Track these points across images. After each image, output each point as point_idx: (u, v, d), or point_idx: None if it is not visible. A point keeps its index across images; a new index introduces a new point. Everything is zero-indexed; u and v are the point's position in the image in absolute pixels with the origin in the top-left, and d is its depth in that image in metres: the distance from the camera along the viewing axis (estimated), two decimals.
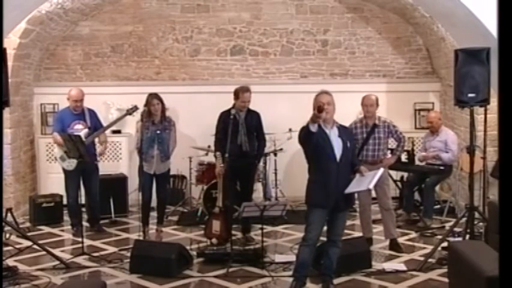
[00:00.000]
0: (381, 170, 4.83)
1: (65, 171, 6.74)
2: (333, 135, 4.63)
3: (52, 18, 7.52)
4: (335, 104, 4.70)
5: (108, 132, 7.47)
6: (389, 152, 6.39)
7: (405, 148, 7.36)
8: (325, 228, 4.81)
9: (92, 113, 6.87)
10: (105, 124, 6.89)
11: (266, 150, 6.96)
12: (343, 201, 4.66)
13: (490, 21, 5.32)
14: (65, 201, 7.15)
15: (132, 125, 7.14)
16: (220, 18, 8.52)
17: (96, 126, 6.77)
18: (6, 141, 7.15)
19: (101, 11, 8.39)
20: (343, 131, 4.74)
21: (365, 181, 4.63)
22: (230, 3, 8.49)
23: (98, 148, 6.85)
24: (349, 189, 4.63)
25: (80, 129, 6.63)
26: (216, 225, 6.09)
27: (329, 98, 4.66)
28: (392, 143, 6.45)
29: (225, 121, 6.27)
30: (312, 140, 4.47)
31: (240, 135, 6.25)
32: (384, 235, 6.16)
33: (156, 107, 6.36)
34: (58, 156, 6.71)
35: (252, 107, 6.47)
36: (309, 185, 4.74)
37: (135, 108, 6.61)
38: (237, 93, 6.31)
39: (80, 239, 6.05)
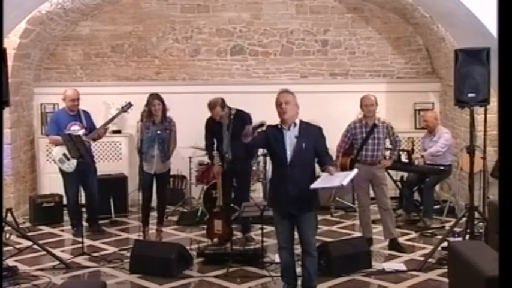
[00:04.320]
0: (355, 170, 4.70)
1: (63, 173, 6.72)
2: (289, 136, 4.45)
3: (52, 18, 7.52)
4: (297, 103, 4.52)
5: (108, 132, 7.47)
6: (388, 152, 6.39)
7: (405, 148, 7.39)
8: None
9: (87, 114, 6.87)
10: (98, 126, 6.87)
11: None
12: (295, 205, 4.45)
13: (490, 21, 5.32)
14: (65, 201, 7.14)
15: (132, 125, 7.14)
16: (220, 18, 8.52)
17: (90, 128, 6.77)
18: (6, 141, 7.15)
19: (101, 11, 8.40)
20: (305, 130, 4.49)
21: (336, 178, 4.43)
22: (230, 3, 8.49)
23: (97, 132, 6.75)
24: (316, 185, 4.42)
25: (77, 130, 6.62)
26: (218, 224, 6.08)
27: (288, 97, 4.46)
28: (389, 143, 6.44)
29: (212, 128, 6.34)
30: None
31: (224, 143, 6.21)
32: (383, 235, 6.16)
33: (157, 108, 6.37)
34: (57, 159, 6.69)
35: (252, 107, 6.47)
36: (269, 188, 4.74)
37: (129, 105, 6.62)
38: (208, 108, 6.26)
39: (80, 239, 6.05)
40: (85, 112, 6.87)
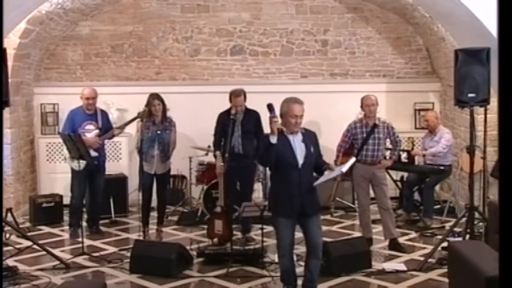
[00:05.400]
0: (353, 158, 4.81)
1: (72, 170, 6.70)
2: (296, 141, 4.53)
3: (52, 18, 7.52)
4: (304, 110, 4.53)
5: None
6: (388, 152, 6.39)
7: (405, 148, 7.38)
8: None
9: (104, 114, 6.84)
10: (114, 125, 6.89)
11: None
12: (309, 206, 4.52)
13: (490, 21, 5.32)
14: (65, 201, 7.13)
15: (132, 125, 7.12)
16: (220, 18, 8.52)
17: (106, 128, 6.72)
18: (6, 141, 7.15)
19: (101, 11, 8.39)
20: (307, 135, 4.61)
21: (336, 169, 4.64)
22: (230, 3, 8.49)
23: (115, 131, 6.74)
24: (319, 181, 4.57)
25: (91, 130, 6.61)
26: (219, 224, 6.07)
27: (301, 111, 4.49)
28: (389, 143, 6.44)
29: (223, 122, 6.30)
30: (271, 153, 4.38)
31: (234, 136, 6.24)
32: (383, 235, 6.16)
33: (157, 108, 6.38)
34: (68, 157, 6.67)
35: (252, 107, 6.47)
36: (272, 194, 4.73)
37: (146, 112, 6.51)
38: (230, 97, 6.34)
39: (77, 239, 6.06)
40: (102, 111, 6.84)
